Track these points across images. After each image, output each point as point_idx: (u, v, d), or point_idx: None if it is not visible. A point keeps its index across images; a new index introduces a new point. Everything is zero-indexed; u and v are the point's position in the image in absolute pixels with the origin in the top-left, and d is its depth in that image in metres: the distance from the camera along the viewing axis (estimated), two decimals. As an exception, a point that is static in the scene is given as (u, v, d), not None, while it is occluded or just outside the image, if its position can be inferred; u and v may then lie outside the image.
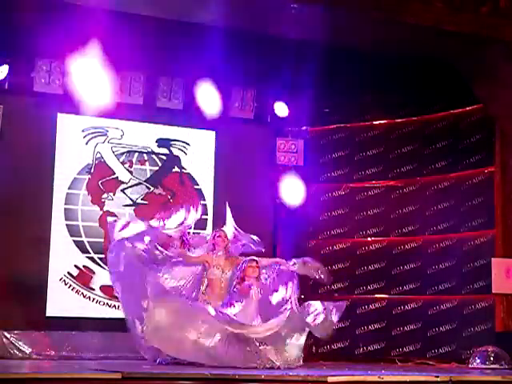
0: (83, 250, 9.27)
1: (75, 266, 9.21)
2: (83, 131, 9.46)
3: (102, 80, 9.06)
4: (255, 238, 7.94)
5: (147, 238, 7.47)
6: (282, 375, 6.29)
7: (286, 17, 8.55)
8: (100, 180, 9.47)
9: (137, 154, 9.69)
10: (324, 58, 9.01)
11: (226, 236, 7.77)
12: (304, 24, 8.61)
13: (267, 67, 9.34)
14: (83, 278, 9.22)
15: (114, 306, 9.14)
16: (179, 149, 9.89)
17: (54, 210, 9.19)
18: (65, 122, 9.34)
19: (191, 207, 7.84)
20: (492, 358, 8.34)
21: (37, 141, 9.12)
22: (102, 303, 9.24)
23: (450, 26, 8.54)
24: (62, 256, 9.17)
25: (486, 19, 8.57)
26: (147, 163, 9.73)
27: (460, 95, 9.58)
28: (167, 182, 9.79)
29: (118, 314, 9.02)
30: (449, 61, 9.24)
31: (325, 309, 7.39)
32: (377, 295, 9.87)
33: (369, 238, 10.15)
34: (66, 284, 9.15)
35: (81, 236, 9.30)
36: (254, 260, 7.54)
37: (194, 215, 7.85)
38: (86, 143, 9.47)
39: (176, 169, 9.86)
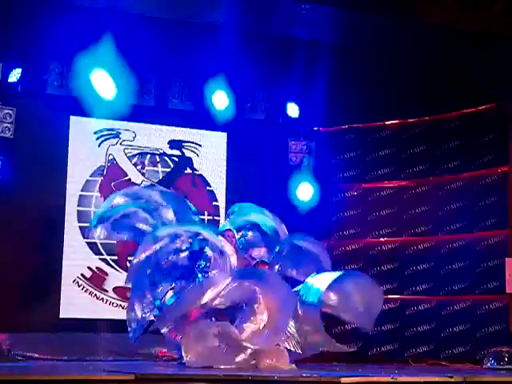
0: (96, 252, 9.28)
1: (88, 267, 9.22)
2: (95, 133, 9.47)
3: (114, 82, 9.09)
4: None
5: None
6: (296, 376, 6.28)
7: (297, 17, 8.55)
8: (112, 182, 9.48)
9: (149, 155, 9.70)
10: (335, 58, 9.02)
11: (234, 235, 7.78)
12: (315, 24, 8.61)
13: (279, 68, 9.34)
14: (96, 279, 9.22)
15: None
16: (191, 150, 9.89)
17: (66, 212, 9.20)
18: (77, 125, 9.35)
19: None
20: (506, 359, 8.30)
21: (49, 143, 9.13)
22: (115, 305, 9.25)
23: (463, 25, 8.52)
24: (75, 258, 9.19)
25: (499, 17, 8.54)
26: (159, 165, 9.74)
27: (472, 94, 9.55)
28: (180, 184, 9.79)
29: (131, 315, 9.05)
30: (461, 60, 9.20)
31: None
32: (390, 296, 9.83)
33: (381, 239, 10.12)
34: (79, 286, 9.17)
35: (94, 238, 9.31)
36: (265, 263, 7.53)
37: None
38: (99, 145, 9.49)
39: (188, 170, 9.87)
